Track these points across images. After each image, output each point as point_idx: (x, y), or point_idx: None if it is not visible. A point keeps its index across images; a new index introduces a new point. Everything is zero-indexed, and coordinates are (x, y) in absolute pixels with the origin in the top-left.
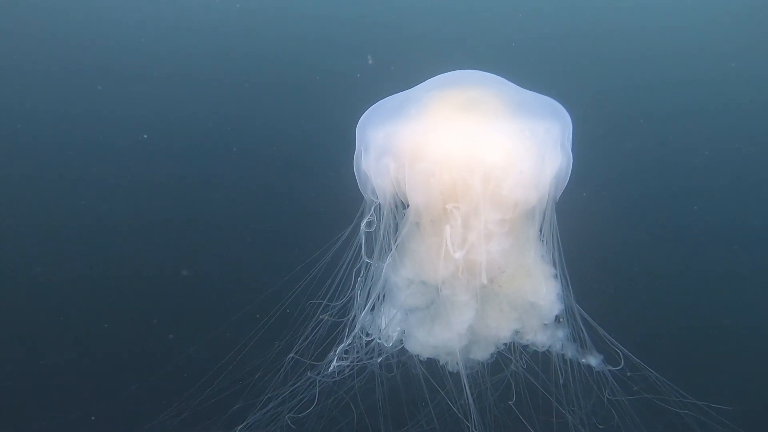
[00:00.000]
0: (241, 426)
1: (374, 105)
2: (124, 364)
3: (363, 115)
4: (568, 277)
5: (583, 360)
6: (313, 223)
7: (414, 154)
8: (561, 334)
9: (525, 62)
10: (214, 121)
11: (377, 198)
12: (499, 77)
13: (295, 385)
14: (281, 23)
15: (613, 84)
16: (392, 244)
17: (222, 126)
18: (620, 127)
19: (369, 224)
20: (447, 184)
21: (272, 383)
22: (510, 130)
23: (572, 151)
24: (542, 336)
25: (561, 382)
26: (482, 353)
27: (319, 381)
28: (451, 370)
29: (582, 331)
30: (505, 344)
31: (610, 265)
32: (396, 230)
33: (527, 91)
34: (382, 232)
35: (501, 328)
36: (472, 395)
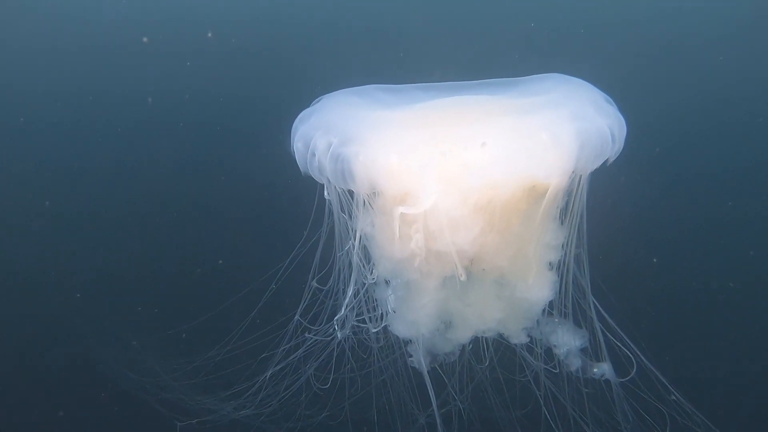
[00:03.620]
0: (267, 373)
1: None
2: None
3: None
4: (587, 271)
5: (594, 370)
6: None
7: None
8: (566, 336)
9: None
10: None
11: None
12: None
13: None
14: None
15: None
16: (351, 220)
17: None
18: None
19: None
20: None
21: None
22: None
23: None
24: (522, 333)
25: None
26: (460, 338)
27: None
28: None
29: (596, 335)
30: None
31: (641, 258)
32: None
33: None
34: (336, 206)
35: (482, 316)
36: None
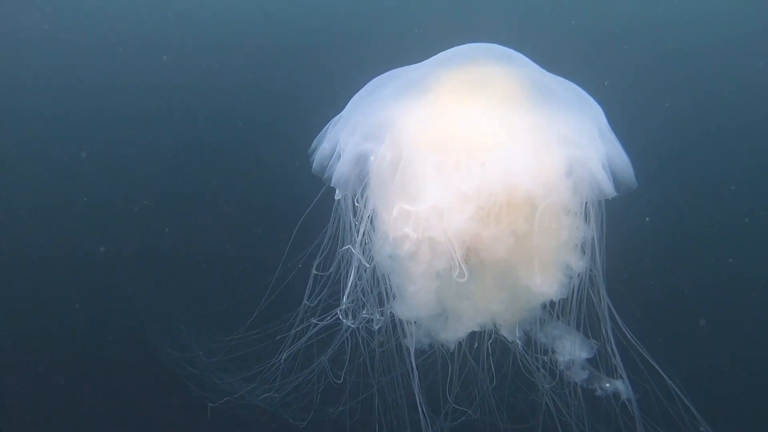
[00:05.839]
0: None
1: (375, 80)
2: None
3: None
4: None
5: (605, 385)
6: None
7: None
8: (571, 345)
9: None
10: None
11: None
12: (517, 54)
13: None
14: None
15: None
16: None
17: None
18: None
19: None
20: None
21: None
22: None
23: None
24: (519, 328)
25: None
26: (457, 331)
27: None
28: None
29: (611, 346)
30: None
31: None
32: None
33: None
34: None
35: (480, 307)
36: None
